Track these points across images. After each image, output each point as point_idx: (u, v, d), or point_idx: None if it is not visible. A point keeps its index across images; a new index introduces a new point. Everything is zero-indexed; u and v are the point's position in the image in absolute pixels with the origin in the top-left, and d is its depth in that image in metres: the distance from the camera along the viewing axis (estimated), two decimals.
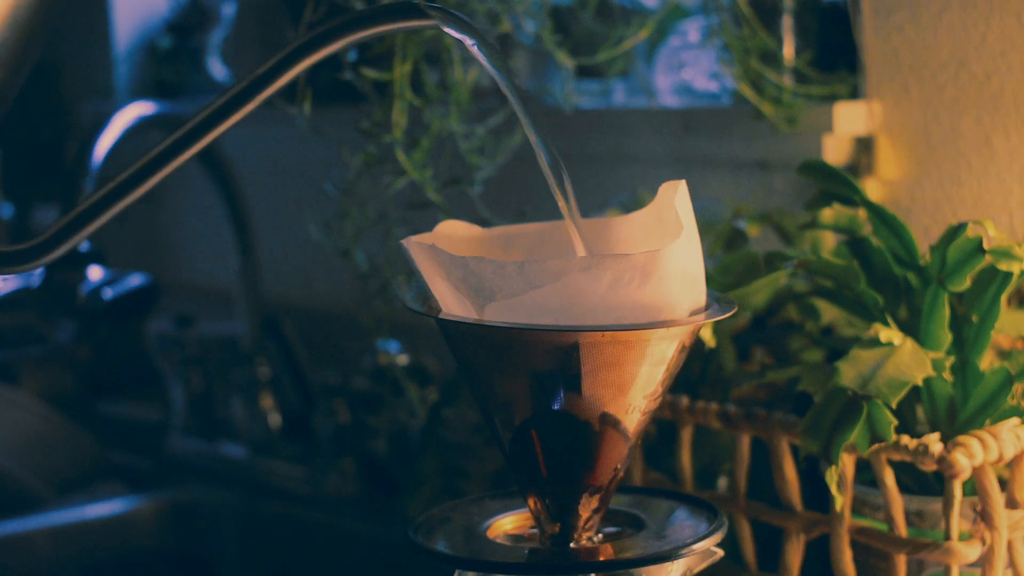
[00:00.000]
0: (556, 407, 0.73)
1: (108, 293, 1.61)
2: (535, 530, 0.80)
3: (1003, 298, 0.89)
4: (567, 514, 0.77)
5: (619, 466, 0.76)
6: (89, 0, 2.18)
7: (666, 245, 0.71)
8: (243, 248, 1.64)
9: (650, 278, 0.71)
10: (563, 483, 0.76)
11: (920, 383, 0.85)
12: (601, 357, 0.71)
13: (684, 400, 0.97)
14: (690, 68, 1.37)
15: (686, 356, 0.75)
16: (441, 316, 0.74)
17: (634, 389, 0.73)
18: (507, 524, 0.81)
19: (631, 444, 0.76)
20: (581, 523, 0.77)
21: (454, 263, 0.72)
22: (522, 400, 0.74)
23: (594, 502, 0.77)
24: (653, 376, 0.73)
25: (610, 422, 0.74)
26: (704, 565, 0.78)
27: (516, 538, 0.80)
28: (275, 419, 1.65)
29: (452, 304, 0.74)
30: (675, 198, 0.74)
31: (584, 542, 0.78)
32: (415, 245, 0.75)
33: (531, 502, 0.78)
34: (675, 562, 0.76)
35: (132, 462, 1.71)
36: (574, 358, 0.72)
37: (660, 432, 1.04)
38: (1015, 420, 0.86)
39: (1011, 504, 0.87)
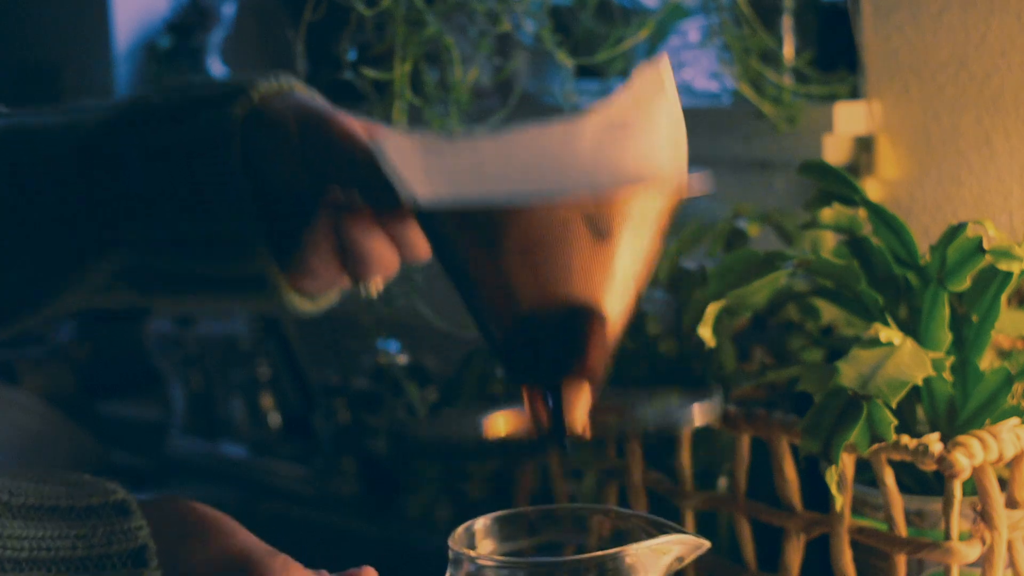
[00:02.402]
0: (543, 289, 0.71)
1: None
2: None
3: (1003, 298, 0.89)
4: (562, 405, 0.75)
5: (611, 350, 0.74)
6: (89, 0, 2.17)
7: (652, 106, 0.69)
8: None
9: (635, 138, 0.69)
10: (556, 372, 0.74)
11: (920, 383, 0.85)
12: (587, 226, 0.69)
13: None
14: (690, 68, 1.37)
15: (667, 230, 0.73)
16: (422, 202, 0.71)
17: (623, 262, 0.71)
18: (500, 421, 0.80)
19: (623, 325, 0.74)
20: (577, 412, 0.76)
21: (429, 150, 0.70)
22: (509, 286, 0.71)
23: (588, 390, 0.75)
24: (640, 247, 0.71)
25: (600, 301, 0.72)
26: (692, 556, 0.77)
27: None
28: (275, 419, 1.65)
29: (429, 196, 0.71)
30: (658, 71, 0.72)
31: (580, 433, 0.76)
32: (390, 140, 0.72)
33: (525, 397, 0.76)
34: (666, 550, 0.75)
35: (132, 462, 1.71)
36: (559, 230, 0.69)
37: (660, 432, 1.04)
38: (1015, 420, 0.86)
39: (1011, 504, 0.87)
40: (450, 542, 0.79)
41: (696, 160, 1.45)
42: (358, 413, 1.50)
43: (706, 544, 0.78)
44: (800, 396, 0.93)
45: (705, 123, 1.33)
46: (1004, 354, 1.00)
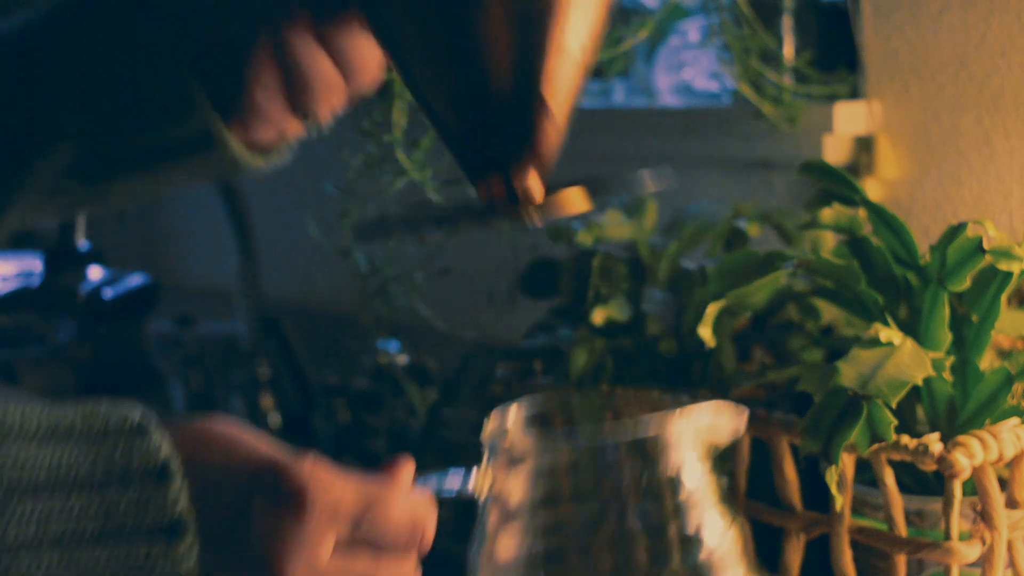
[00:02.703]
0: (493, 63, 0.71)
1: (108, 293, 1.61)
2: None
3: (1003, 298, 0.89)
4: (518, 191, 0.75)
5: (561, 130, 0.75)
6: None
7: None
8: (243, 248, 1.64)
9: None
10: (509, 154, 0.74)
11: (920, 383, 0.85)
12: None
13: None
14: (690, 68, 1.38)
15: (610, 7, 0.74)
16: None
17: (570, 34, 0.71)
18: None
19: (570, 105, 0.74)
20: (532, 184, 0.74)
21: None
22: (459, 63, 0.72)
23: (540, 176, 0.75)
24: (586, 18, 0.72)
25: (549, 79, 0.72)
26: (730, 437, 0.73)
27: None
28: (275, 419, 1.65)
29: None
30: None
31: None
32: None
33: (482, 192, 0.76)
34: (705, 426, 0.72)
35: None
36: None
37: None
38: (1015, 420, 0.86)
39: (1011, 504, 0.87)
40: (484, 432, 0.77)
41: (696, 160, 1.46)
42: (358, 413, 1.50)
43: (745, 412, 0.75)
44: (800, 396, 0.93)
45: (705, 123, 1.33)
46: (1004, 354, 1.00)
